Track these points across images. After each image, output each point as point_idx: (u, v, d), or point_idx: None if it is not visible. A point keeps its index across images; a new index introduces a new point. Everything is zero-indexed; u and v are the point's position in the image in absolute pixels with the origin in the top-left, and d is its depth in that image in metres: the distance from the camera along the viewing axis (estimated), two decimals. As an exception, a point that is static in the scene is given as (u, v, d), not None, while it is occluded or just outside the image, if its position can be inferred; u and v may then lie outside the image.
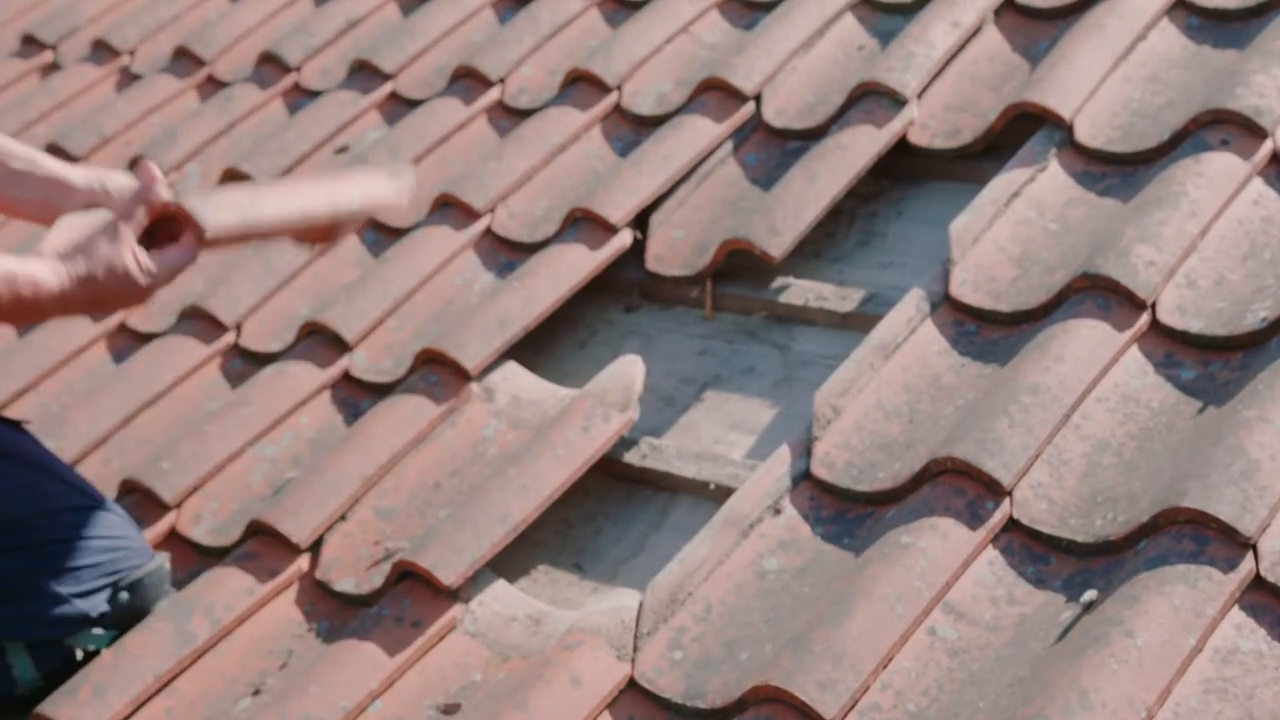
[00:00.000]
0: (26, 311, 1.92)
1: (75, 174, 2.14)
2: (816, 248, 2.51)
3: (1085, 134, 2.32)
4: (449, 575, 1.98)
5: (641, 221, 2.59)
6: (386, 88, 3.24)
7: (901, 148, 2.54)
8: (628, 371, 2.22)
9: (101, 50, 3.85)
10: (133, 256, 1.94)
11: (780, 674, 1.66)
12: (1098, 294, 2.01)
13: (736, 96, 2.69)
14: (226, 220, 2.03)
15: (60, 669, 2.06)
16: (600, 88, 2.89)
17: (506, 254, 2.65)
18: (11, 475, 2.06)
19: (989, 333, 2.11)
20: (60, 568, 2.03)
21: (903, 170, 2.59)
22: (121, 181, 2.13)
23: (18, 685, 2.06)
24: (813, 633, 1.70)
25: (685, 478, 2.17)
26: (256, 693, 2.02)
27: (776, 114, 2.67)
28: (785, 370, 2.32)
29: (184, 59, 3.67)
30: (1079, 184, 2.28)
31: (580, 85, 2.91)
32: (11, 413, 2.68)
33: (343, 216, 2.19)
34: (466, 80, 3.11)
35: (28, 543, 2.02)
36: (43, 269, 1.90)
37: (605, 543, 2.18)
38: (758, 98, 2.70)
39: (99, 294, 1.92)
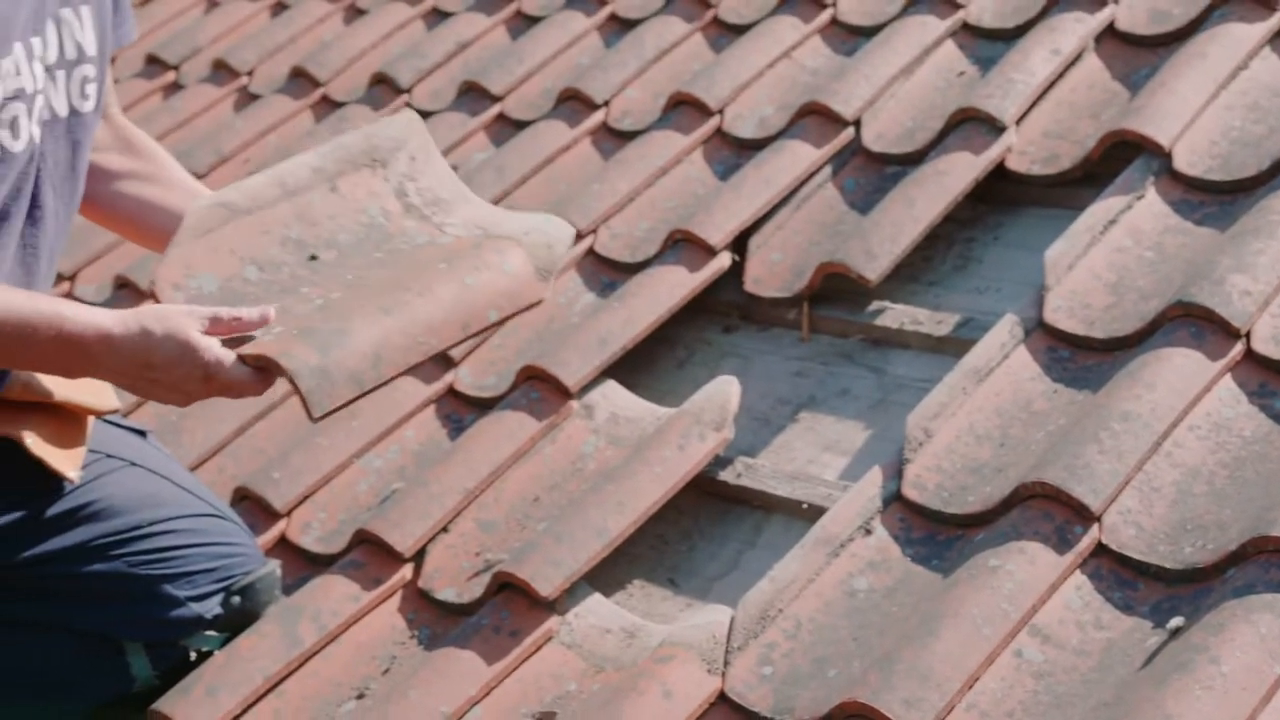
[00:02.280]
0: (70, 357, 1.83)
1: None
2: (913, 272, 2.54)
3: (1184, 162, 2.33)
4: (546, 587, 2.04)
5: (740, 243, 2.64)
6: (494, 109, 3.33)
7: (1000, 173, 2.57)
8: (724, 391, 2.26)
9: (221, 71, 3.98)
10: (206, 340, 1.81)
11: (867, 691, 1.70)
12: (1191, 322, 2.02)
13: (836, 121, 2.73)
14: (337, 403, 1.82)
15: (175, 668, 2.15)
16: (702, 111, 2.94)
17: (608, 274, 2.71)
18: (138, 482, 2.14)
19: (1082, 359, 2.13)
20: (177, 572, 2.11)
21: (1001, 196, 2.62)
22: None
23: (135, 683, 2.15)
24: (900, 651, 1.74)
25: (779, 497, 2.21)
26: (360, 696, 2.09)
27: (876, 139, 2.71)
28: (880, 393, 2.35)
29: (300, 80, 3.78)
30: (1176, 212, 2.29)
31: (683, 108, 2.97)
32: (133, 420, 2.78)
33: (476, 330, 1.96)
34: (572, 103, 3.18)
35: (149, 548, 2.10)
36: (105, 316, 1.82)
37: (700, 559, 2.22)
38: (857, 123, 2.74)
39: (151, 362, 1.81)
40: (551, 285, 2.03)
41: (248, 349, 1.83)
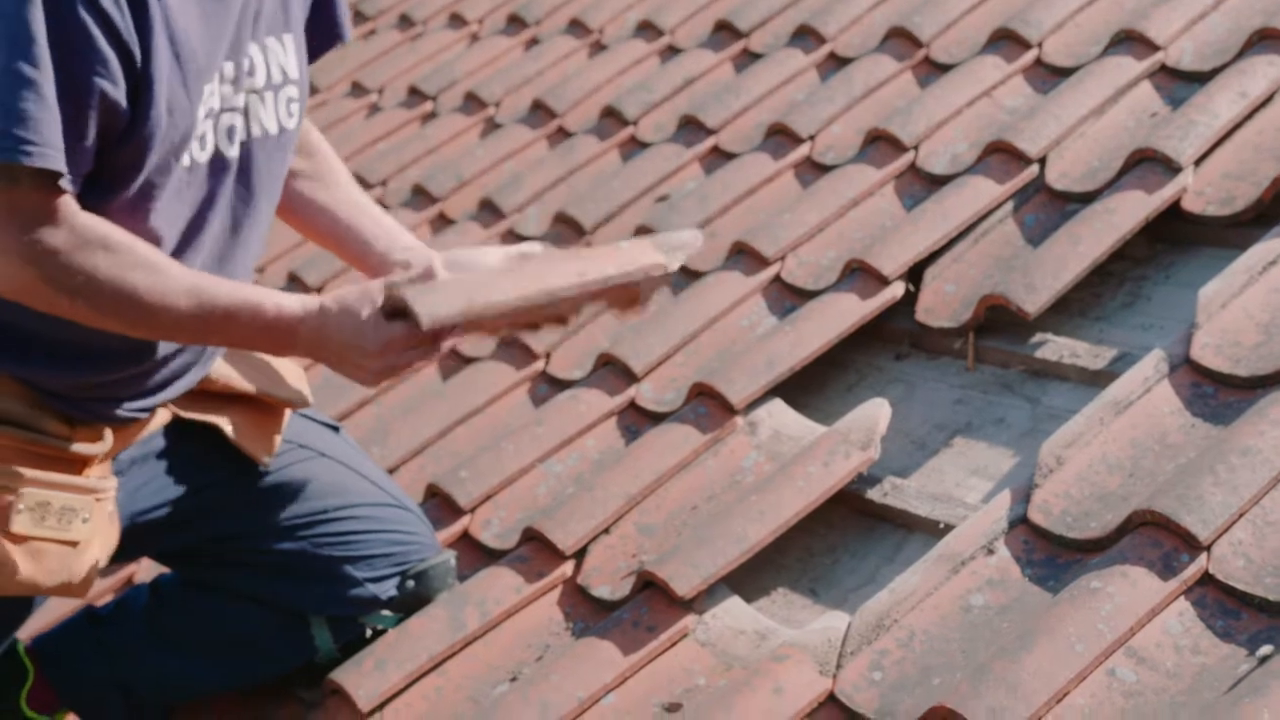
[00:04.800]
0: (270, 339, 2.04)
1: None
2: (1082, 307, 2.58)
3: (1353, 205, 2.33)
4: (684, 587, 2.17)
5: (918, 274, 2.73)
6: (709, 142, 3.48)
7: (1177, 214, 2.59)
8: (873, 414, 2.36)
9: (471, 102, 4.25)
10: (369, 311, 2.00)
11: (956, 697, 1.78)
12: (1329, 363, 2.04)
13: (1021, 159, 2.80)
14: (443, 312, 1.97)
15: (353, 643, 2.36)
16: (898, 147, 3.03)
17: (791, 299, 2.82)
18: (326, 471, 2.36)
19: (1225, 396, 2.16)
20: (358, 555, 2.32)
21: (1177, 236, 2.64)
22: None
23: (318, 653, 2.37)
24: (993, 663, 1.81)
25: (920, 517, 2.30)
26: (513, 679, 2.26)
27: (1060, 177, 2.76)
28: (1033, 423, 2.41)
29: (539, 111, 4.00)
30: (1340, 255, 2.29)
31: (879, 144, 3.07)
32: (351, 421, 3.04)
33: (592, 290, 2.08)
34: (779, 137, 3.31)
35: (332, 531, 2.32)
36: (294, 301, 2.03)
37: (841, 572, 2.32)
38: (1043, 160, 2.80)
39: (330, 338, 2.01)
40: (674, 259, 2.12)
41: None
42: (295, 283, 3.58)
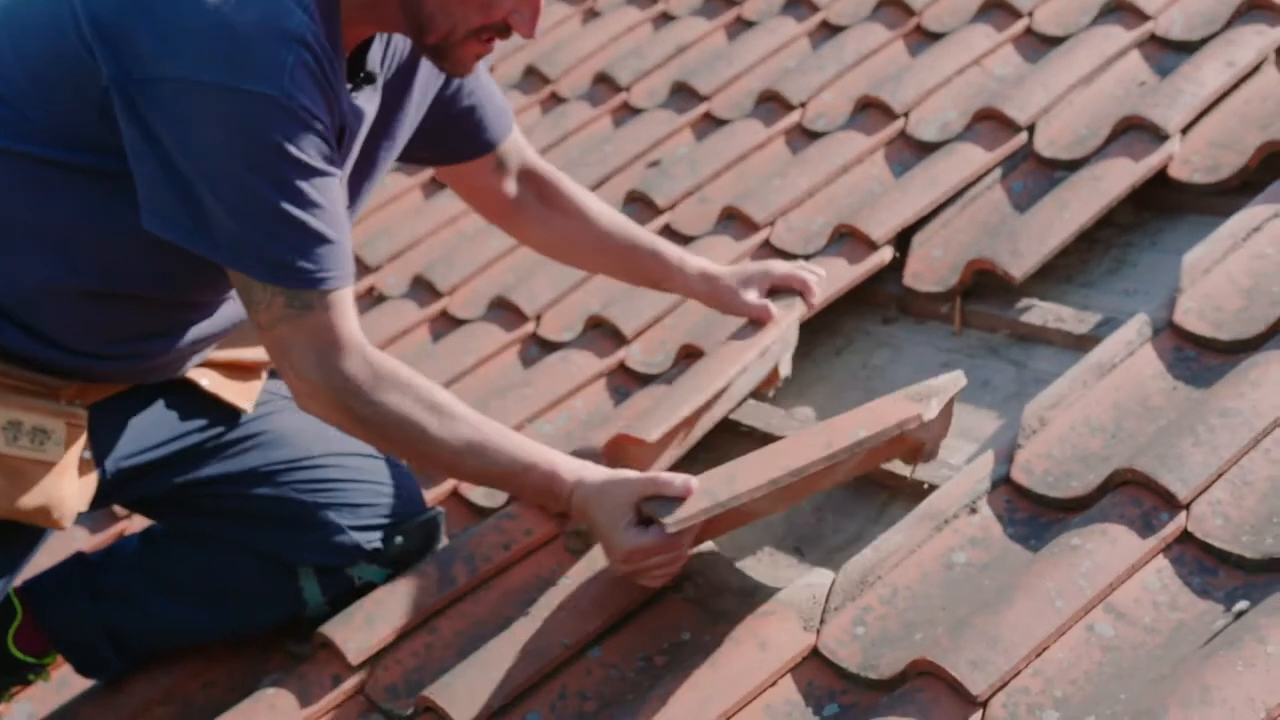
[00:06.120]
0: (547, 500, 2.17)
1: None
2: (1068, 273, 2.61)
3: (1338, 173, 2.36)
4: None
5: (905, 240, 2.75)
6: (701, 108, 3.50)
7: (1164, 181, 2.61)
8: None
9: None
10: (630, 514, 2.06)
11: (937, 651, 1.81)
12: (1310, 326, 2.06)
13: (1010, 126, 2.82)
14: (686, 514, 1.99)
15: (342, 598, 2.38)
16: (888, 114, 3.05)
17: (780, 265, 2.84)
18: (306, 419, 2.36)
19: (1207, 359, 2.18)
20: (341, 502, 2.34)
21: (1164, 203, 2.66)
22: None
23: (308, 607, 2.39)
24: (973, 618, 1.84)
25: (906, 477, 2.32)
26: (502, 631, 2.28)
27: (1048, 144, 2.78)
28: (1018, 386, 2.43)
29: (532, 77, 4.02)
30: (1324, 222, 2.31)
31: (870, 111, 3.09)
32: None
33: (844, 459, 2.04)
34: (771, 103, 3.33)
35: (314, 477, 2.34)
36: (569, 468, 2.12)
37: (826, 531, 2.35)
38: (1031, 128, 2.82)
39: (592, 517, 2.10)
40: (930, 407, 2.10)
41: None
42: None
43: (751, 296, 2.43)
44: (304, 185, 1.90)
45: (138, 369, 2.19)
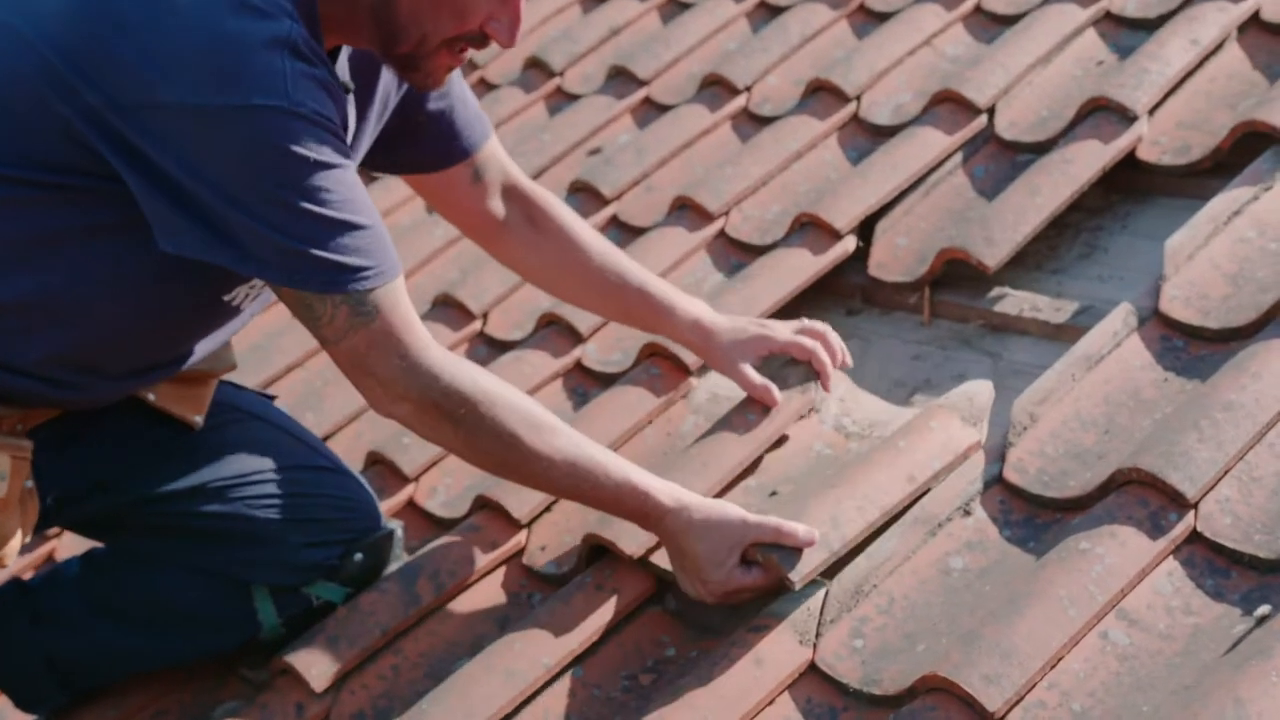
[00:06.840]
0: (640, 520, 2.07)
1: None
2: (1038, 259, 2.54)
3: (1316, 153, 2.30)
4: (634, 548, 2.10)
5: (868, 228, 2.67)
6: (641, 93, 3.40)
7: (1132, 163, 2.55)
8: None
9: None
10: (731, 557, 2.01)
11: (948, 666, 1.73)
12: (1306, 314, 2.01)
13: (969, 109, 2.74)
14: (809, 569, 1.98)
15: (299, 620, 2.26)
16: (840, 97, 2.97)
17: (737, 255, 2.76)
18: (256, 431, 2.27)
19: (1196, 349, 2.12)
20: (295, 518, 2.23)
21: (1132, 186, 2.60)
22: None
23: (262, 629, 2.26)
24: (983, 629, 1.76)
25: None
26: (474, 652, 2.17)
27: (1009, 127, 2.71)
28: (994, 378, 2.36)
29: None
30: (1305, 203, 2.26)
31: (821, 95, 3.00)
32: (279, 387, 2.92)
33: (922, 480, 2.07)
34: (715, 88, 3.23)
35: (266, 493, 2.22)
36: (658, 487, 2.04)
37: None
38: (991, 110, 2.75)
39: (689, 546, 2.03)
40: (981, 428, 2.13)
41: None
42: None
43: (750, 369, 2.30)
44: (333, 185, 1.81)
45: (91, 397, 2.06)
